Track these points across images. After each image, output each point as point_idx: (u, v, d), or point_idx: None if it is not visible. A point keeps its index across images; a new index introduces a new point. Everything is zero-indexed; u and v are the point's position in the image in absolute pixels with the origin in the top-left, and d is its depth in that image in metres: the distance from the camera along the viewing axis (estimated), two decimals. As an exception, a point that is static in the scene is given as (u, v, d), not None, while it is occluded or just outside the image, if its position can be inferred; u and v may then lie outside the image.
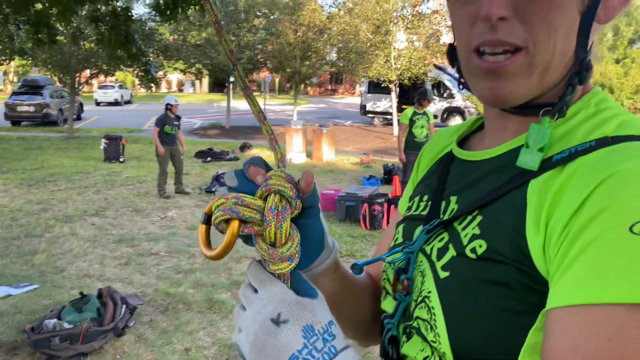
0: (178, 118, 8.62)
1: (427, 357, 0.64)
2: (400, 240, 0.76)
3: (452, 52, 0.69)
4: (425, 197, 0.77)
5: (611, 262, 0.48)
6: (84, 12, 7.88)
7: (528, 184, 0.59)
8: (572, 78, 0.61)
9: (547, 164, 0.58)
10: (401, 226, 0.78)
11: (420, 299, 0.65)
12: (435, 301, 0.62)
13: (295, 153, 12.84)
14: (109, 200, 8.21)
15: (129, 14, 6.69)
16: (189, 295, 4.56)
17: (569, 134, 0.60)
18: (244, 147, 14.28)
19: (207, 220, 0.63)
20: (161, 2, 7.08)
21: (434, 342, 0.61)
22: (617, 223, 0.48)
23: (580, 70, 0.61)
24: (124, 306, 3.91)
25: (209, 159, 12.62)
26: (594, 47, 0.63)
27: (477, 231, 0.61)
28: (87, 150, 13.95)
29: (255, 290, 0.59)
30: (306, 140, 13.37)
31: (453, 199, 0.70)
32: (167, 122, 8.41)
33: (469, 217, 0.64)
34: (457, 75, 0.69)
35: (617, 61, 22.65)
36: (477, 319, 0.57)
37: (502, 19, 0.56)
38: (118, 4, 7.35)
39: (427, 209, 0.73)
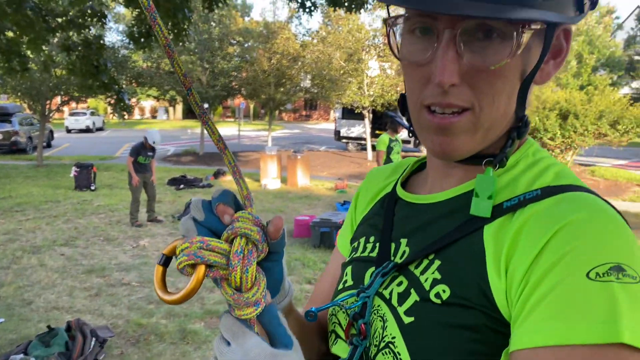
0: (153, 150, 8.54)
1: None
2: (350, 282, 0.76)
3: (403, 102, 0.72)
4: (372, 239, 0.78)
5: (572, 306, 0.51)
6: (56, 40, 7.85)
7: (482, 229, 0.63)
8: (512, 133, 0.67)
9: (498, 211, 0.64)
10: (349, 268, 0.78)
11: (383, 344, 0.65)
12: (401, 346, 0.63)
13: (270, 179, 12.83)
14: (80, 230, 8.05)
15: (101, 42, 6.69)
16: (161, 326, 4.47)
17: (514, 182, 0.66)
18: (217, 174, 14.20)
19: (165, 261, 0.60)
20: (135, 30, 7.11)
21: None
22: (575, 270, 0.53)
23: (519, 126, 0.68)
24: (94, 339, 3.82)
25: (182, 186, 12.51)
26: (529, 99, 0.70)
27: (437, 276, 0.64)
28: (57, 179, 13.68)
29: (229, 343, 0.56)
30: (281, 166, 13.39)
31: (403, 241, 0.72)
32: (142, 153, 8.33)
33: (426, 261, 0.66)
34: (407, 124, 0.73)
35: (582, 87, 23.46)
36: None
37: (452, 85, 0.61)
38: (91, 32, 7.35)
39: (376, 251, 0.75)
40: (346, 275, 0.78)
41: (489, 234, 0.62)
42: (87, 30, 6.62)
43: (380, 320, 0.67)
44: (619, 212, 0.62)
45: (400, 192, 0.79)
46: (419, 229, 0.71)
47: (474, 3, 0.54)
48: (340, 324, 0.74)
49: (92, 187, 11.96)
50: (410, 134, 0.73)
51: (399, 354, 0.62)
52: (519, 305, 0.55)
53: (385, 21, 0.66)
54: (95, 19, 6.51)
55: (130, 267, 6.13)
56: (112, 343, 4.12)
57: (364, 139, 20.19)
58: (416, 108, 0.66)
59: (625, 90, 36.24)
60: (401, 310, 0.65)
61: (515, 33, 0.58)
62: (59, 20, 6.40)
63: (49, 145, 23.48)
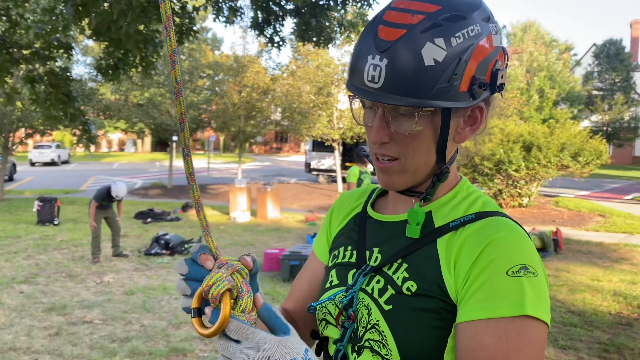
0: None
1: None
2: (336, 282, 1.00)
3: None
4: (350, 248, 1.03)
5: (497, 293, 0.80)
6: (20, 73, 7.73)
7: (436, 242, 0.90)
8: (434, 178, 0.95)
9: (446, 228, 0.91)
10: (333, 271, 1.03)
11: (369, 325, 0.90)
12: (384, 326, 0.88)
13: (240, 212, 12.72)
14: (41, 266, 7.77)
15: (68, 73, 6.62)
16: (124, 366, 4.30)
17: (455, 208, 0.94)
18: (185, 207, 14.01)
19: (197, 313, 0.74)
20: (103, 63, 7.06)
21: (387, 355, 0.87)
22: (498, 270, 0.81)
23: (439, 174, 0.94)
24: (52, 381, 3.64)
25: (149, 219, 12.27)
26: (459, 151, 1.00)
27: (406, 275, 0.89)
28: (18, 213, 13.27)
29: (236, 342, 0.71)
30: (250, 198, 13.31)
31: (375, 249, 0.97)
32: (106, 199, 8.13)
33: (396, 264, 0.92)
34: (373, 165, 0.99)
35: (544, 121, 24.22)
36: (416, 335, 0.85)
37: (384, 142, 0.89)
38: (57, 64, 7.27)
39: (354, 257, 1.00)
40: (332, 276, 1.02)
41: (442, 245, 0.89)
42: (53, 62, 6.54)
43: (365, 309, 0.91)
44: (522, 227, 0.90)
45: (370, 212, 1.05)
46: (387, 240, 0.97)
47: (390, 95, 0.83)
48: (330, 314, 0.98)
49: (55, 222, 11.63)
50: (374, 172, 1.01)
51: (383, 332, 0.87)
52: (462, 293, 0.83)
53: (349, 97, 0.95)
54: (61, 51, 6.45)
55: (93, 304, 5.92)
56: (72, 385, 3.93)
57: (335, 171, 20.31)
58: (371, 154, 0.95)
59: (585, 123, 37.62)
60: (381, 300, 0.90)
61: (415, 114, 0.86)
62: (24, 52, 6.32)
63: (11, 179, 22.86)
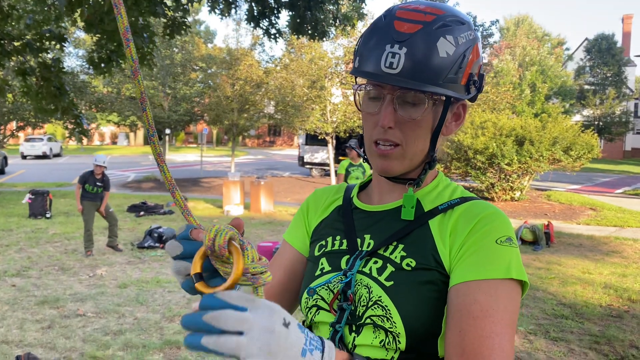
0: (102, 181, 8.13)
1: (382, 340, 0.94)
2: (328, 268, 1.05)
3: (361, 141, 1.08)
4: (338, 237, 1.09)
5: (487, 258, 0.91)
6: (12, 64, 7.65)
7: (428, 223, 1.01)
8: (426, 165, 1.04)
9: (436, 211, 1.02)
10: (323, 259, 1.08)
11: (371, 303, 0.95)
12: (387, 301, 0.94)
13: (233, 205, 12.70)
14: (33, 259, 7.74)
15: (60, 65, 6.56)
16: (117, 358, 4.30)
17: (440, 195, 1.06)
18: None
19: (199, 278, 0.69)
20: (95, 55, 7.01)
21: (391, 328, 0.92)
22: (489, 239, 0.93)
23: (430, 162, 1.04)
24: (45, 374, 3.64)
25: (142, 213, 12.23)
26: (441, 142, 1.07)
27: (404, 253, 0.98)
28: (9, 206, 13.18)
29: (243, 310, 0.64)
30: (244, 192, 13.29)
31: (367, 236, 1.05)
32: (88, 181, 8.02)
33: (391, 247, 1.00)
34: (363, 155, 1.08)
35: (536, 115, 24.34)
36: (418, 307, 0.93)
37: (390, 127, 0.97)
38: (48, 56, 7.20)
39: (345, 245, 1.06)
40: (322, 264, 1.07)
41: (434, 225, 1.00)
42: (45, 53, 6.48)
43: (365, 288, 0.97)
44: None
45: (357, 203, 1.13)
46: (378, 227, 1.05)
47: (405, 80, 0.92)
48: (323, 299, 1.02)
49: (48, 215, 11.57)
50: (364, 160, 1.09)
51: (387, 306, 0.93)
52: (456, 260, 0.94)
53: (353, 86, 1.03)
54: (54, 42, 6.39)
55: (86, 297, 5.91)
56: (65, 378, 3.93)
57: (328, 165, 20.30)
58: (369, 142, 1.03)
59: (577, 117, 37.83)
60: (382, 278, 0.97)
61: (426, 100, 0.96)
62: (15, 44, 6.26)
63: (2, 172, 22.69)
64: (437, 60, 0.93)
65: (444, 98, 0.98)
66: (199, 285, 0.67)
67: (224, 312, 0.62)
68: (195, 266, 0.69)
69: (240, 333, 0.61)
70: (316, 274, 1.06)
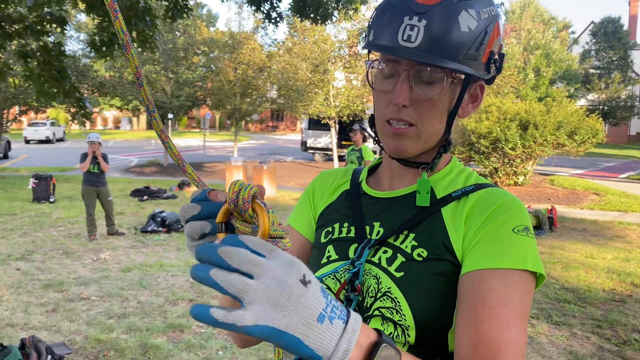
0: (103, 157, 8.12)
1: (390, 333, 0.90)
2: (335, 257, 1.00)
3: (372, 120, 1.02)
4: (346, 224, 1.04)
5: (503, 247, 0.87)
6: (13, 48, 7.61)
7: (440, 211, 0.96)
8: (440, 148, 0.99)
9: (449, 198, 0.97)
10: (330, 246, 1.03)
11: (380, 294, 0.91)
12: (397, 293, 0.90)
13: (236, 190, 12.70)
14: (37, 243, 7.77)
15: (62, 49, 6.51)
16: (121, 341, 4.33)
17: (453, 181, 1.01)
18: (182, 185, 13.99)
19: (223, 228, 0.68)
20: (96, 38, 6.95)
21: (400, 320, 0.89)
22: (505, 228, 0.88)
23: (445, 144, 0.99)
24: (49, 356, 3.66)
25: (145, 197, 12.25)
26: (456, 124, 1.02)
27: (415, 243, 0.93)
28: (13, 191, 13.22)
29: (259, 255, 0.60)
30: (247, 176, 13.29)
31: (376, 224, 1.00)
32: (90, 160, 8.05)
33: (402, 236, 0.95)
34: (374, 135, 1.03)
35: (540, 99, 24.17)
36: (429, 299, 0.89)
37: (404, 106, 0.92)
38: (50, 39, 7.15)
39: (353, 232, 1.01)
40: (329, 252, 1.02)
41: (447, 213, 0.95)
42: (46, 36, 6.43)
43: (373, 279, 0.93)
44: None
45: (366, 189, 1.07)
46: (388, 214, 1.00)
47: (424, 54, 0.87)
48: (329, 288, 0.97)
49: (51, 199, 11.59)
50: (374, 142, 1.03)
51: (396, 298, 0.90)
52: (469, 248, 0.89)
53: (366, 62, 0.98)
54: (54, 25, 6.34)
55: (90, 281, 5.94)
56: (70, 360, 3.97)
57: (331, 150, 20.25)
58: (381, 121, 0.97)
59: (582, 102, 37.56)
60: (391, 268, 0.92)
61: (445, 78, 0.91)
62: (16, 26, 6.21)
63: (5, 157, 22.73)
64: (458, 35, 0.88)
65: (463, 77, 0.93)
66: (222, 236, 0.64)
67: (240, 250, 0.58)
68: (221, 216, 0.67)
69: (251, 277, 0.57)
70: (322, 261, 1.02)
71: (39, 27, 6.15)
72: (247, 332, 0.56)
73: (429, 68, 0.90)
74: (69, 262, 6.81)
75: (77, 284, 5.84)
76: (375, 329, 0.67)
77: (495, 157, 13.65)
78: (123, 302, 5.31)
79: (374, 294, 0.92)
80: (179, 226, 8.75)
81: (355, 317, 0.63)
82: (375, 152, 14.61)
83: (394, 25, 0.89)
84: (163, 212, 9.02)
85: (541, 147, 13.26)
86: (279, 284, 0.57)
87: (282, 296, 0.57)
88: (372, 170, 1.13)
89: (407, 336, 0.89)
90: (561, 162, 19.89)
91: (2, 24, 5.68)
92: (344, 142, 20.45)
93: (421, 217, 0.95)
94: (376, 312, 0.91)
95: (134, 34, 6.58)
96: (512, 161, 13.76)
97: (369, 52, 0.98)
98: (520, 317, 0.82)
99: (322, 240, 1.05)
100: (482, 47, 0.91)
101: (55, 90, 6.18)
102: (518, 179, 14.30)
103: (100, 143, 8.22)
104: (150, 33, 6.67)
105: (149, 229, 8.59)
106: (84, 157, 8.11)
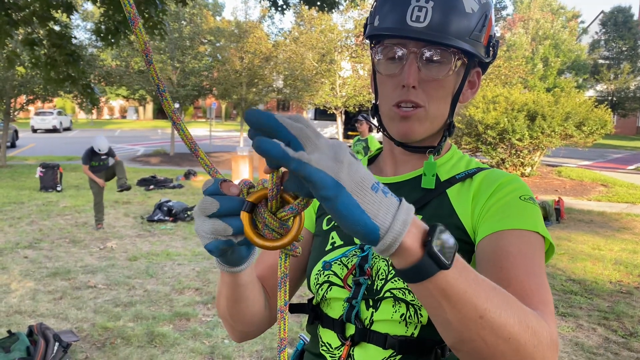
0: (107, 154, 8.04)
1: (402, 314, 0.92)
2: (339, 242, 1.01)
3: (375, 109, 1.05)
4: None
5: (514, 211, 0.90)
6: (20, 36, 7.60)
7: (446, 192, 0.99)
8: (445, 132, 1.03)
9: (454, 180, 1.01)
10: (333, 232, 1.03)
11: (391, 275, 0.93)
12: None
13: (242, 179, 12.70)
14: (44, 232, 7.81)
15: (69, 33, 6.51)
16: (128, 329, 4.35)
17: (455, 166, 1.05)
18: (188, 175, 14.01)
19: (251, 208, 0.62)
20: (102, 27, 6.93)
21: (413, 300, 0.90)
22: (513, 196, 0.93)
23: (449, 128, 1.03)
24: (57, 343, 3.69)
25: (151, 186, 12.28)
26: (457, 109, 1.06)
27: None
28: (21, 180, 13.29)
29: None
30: (253, 166, 13.28)
31: None
32: (94, 159, 7.95)
33: None
34: (376, 124, 1.06)
35: (548, 90, 23.96)
36: None
37: (413, 87, 0.94)
38: (56, 27, 7.14)
39: None
40: (332, 238, 1.03)
41: (452, 193, 0.99)
42: (52, 23, 6.42)
43: (383, 262, 0.94)
44: None
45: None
46: None
47: (434, 33, 0.90)
48: (336, 274, 0.98)
49: (58, 188, 11.65)
50: (378, 130, 1.06)
51: None
52: (480, 219, 0.93)
53: (371, 49, 1.00)
54: (60, 11, 6.32)
55: (97, 270, 5.97)
56: (77, 347, 3.99)
57: (337, 140, 20.21)
58: (388, 106, 0.98)
59: (590, 92, 37.23)
60: None
61: (452, 58, 0.94)
62: (22, 13, 6.19)
63: (13, 145, 22.84)
64: (465, 15, 0.92)
65: (467, 61, 0.96)
66: (247, 226, 0.61)
67: (298, 125, 0.56)
68: (253, 197, 0.64)
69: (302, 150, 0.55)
70: (326, 248, 1.02)
71: (45, 14, 6.13)
72: (309, 173, 0.54)
73: (437, 49, 0.92)
74: (76, 250, 6.84)
75: (84, 272, 5.87)
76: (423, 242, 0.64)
77: (503, 147, 13.57)
78: (130, 290, 5.34)
79: (384, 276, 0.93)
80: (185, 215, 8.78)
81: (407, 204, 0.60)
82: (381, 143, 14.49)
83: (401, 8, 0.91)
84: (169, 201, 9.04)
85: (549, 138, 13.16)
86: (335, 146, 0.57)
87: (339, 154, 0.56)
88: (372, 160, 1.15)
89: (419, 316, 0.90)
90: (569, 153, 19.76)
91: (9, 11, 5.67)
92: (350, 133, 20.39)
93: (428, 198, 0.98)
94: (387, 294, 0.92)
95: (142, 21, 6.55)
96: (519, 152, 13.67)
97: (372, 42, 1.00)
98: (543, 272, 0.84)
99: (325, 227, 1.06)
100: (484, 29, 0.95)
101: (62, 76, 6.17)
102: (525, 170, 14.22)
103: (107, 153, 8.06)
104: (159, 19, 6.64)
105: (156, 218, 8.61)
106: (88, 154, 7.97)
